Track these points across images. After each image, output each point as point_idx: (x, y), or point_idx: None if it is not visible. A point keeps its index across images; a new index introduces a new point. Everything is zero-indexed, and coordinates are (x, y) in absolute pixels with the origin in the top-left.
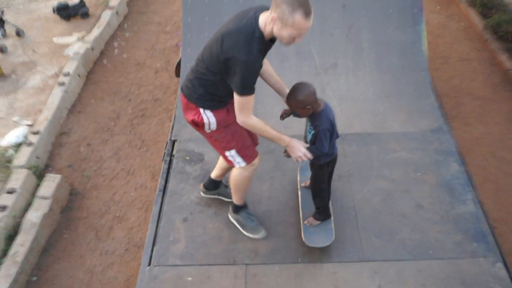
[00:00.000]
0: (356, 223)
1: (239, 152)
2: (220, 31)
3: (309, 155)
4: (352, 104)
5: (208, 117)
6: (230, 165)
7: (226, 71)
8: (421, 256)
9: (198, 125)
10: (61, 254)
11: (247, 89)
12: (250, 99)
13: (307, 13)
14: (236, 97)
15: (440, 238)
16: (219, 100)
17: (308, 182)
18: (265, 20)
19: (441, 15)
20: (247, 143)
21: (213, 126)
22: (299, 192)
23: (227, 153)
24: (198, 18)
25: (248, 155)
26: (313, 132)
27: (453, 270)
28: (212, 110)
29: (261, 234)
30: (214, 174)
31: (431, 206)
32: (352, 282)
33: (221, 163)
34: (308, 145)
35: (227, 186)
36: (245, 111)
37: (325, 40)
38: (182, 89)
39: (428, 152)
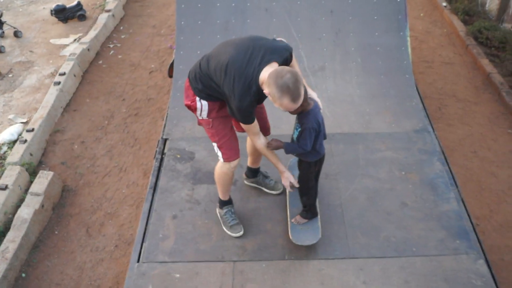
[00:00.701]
0: (343, 220)
1: (219, 148)
2: (227, 53)
3: (296, 185)
4: (339, 105)
5: (202, 104)
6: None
7: (226, 99)
8: (405, 253)
9: (191, 108)
10: (52, 250)
11: (245, 121)
12: (251, 126)
13: (294, 99)
14: None
15: (423, 235)
16: (216, 97)
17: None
18: (263, 79)
19: (425, 21)
20: (230, 144)
21: (204, 113)
22: (287, 192)
23: (213, 144)
24: (191, 22)
25: (226, 154)
26: (299, 129)
27: (435, 267)
28: (208, 101)
29: (238, 233)
30: (248, 161)
31: (415, 204)
32: (337, 278)
33: (248, 149)
34: (278, 140)
35: (266, 177)
36: (250, 134)
37: (313, 43)
38: (189, 73)
39: (413, 151)
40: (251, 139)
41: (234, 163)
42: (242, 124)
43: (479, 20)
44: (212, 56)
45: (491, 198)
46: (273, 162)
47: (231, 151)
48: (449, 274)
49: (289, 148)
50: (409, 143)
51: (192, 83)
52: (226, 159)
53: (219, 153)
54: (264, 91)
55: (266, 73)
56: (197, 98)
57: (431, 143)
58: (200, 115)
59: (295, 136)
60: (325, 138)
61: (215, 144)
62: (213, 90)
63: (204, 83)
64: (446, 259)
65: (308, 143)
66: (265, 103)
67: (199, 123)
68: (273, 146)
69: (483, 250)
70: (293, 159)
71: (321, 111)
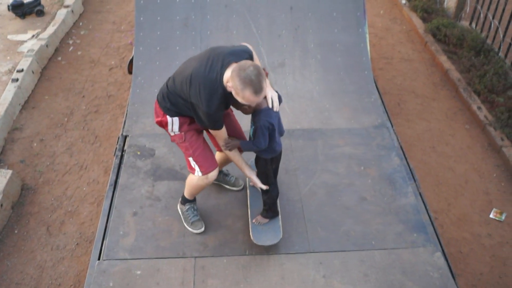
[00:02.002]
0: (303, 215)
1: (195, 162)
2: (190, 67)
3: (260, 185)
4: (298, 101)
5: (173, 120)
6: (191, 171)
7: (192, 110)
8: (364, 247)
9: (162, 124)
10: (11, 249)
11: (213, 127)
12: (221, 132)
13: (256, 91)
14: None
15: (382, 229)
16: (185, 114)
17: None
18: (227, 79)
19: (385, 18)
20: (205, 154)
21: (176, 127)
22: (248, 191)
23: (189, 160)
24: (150, 18)
25: (203, 166)
26: (253, 127)
27: (394, 260)
28: (178, 117)
29: (199, 230)
30: None
31: (374, 199)
32: (298, 272)
33: (217, 156)
34: (235, 139)
35: (227, 174)
36: (220, 140)
37: (273, 40)
38: (157, 95)
39: (371, 147)
40: (221, 145)
41: (211, 175)
42: (211, 130)
43: (437, 17)
44: (176, 74)
45: (449, 192)
46: (240, 167)
47: (208, 162)
48: (407, 266)
49: (244, 146)
50: (368, 139)
51: (161, 103)
52: (204, 171)
53: (196, 167)
54: (227, 84)
55: (229, 73)
56: (167, 116)
57: (389, 138)
58: (172, 130)
59: (250, 133)
60: (282, 134)
61: (191, 159)
62: (181, 107)
63: (172, 101)
64: (404, 252)
65: (262, 141)
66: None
67: (172, 140)
68: (230, 145)
69: (440, 243)
70: (252, 158)
71: (276, 110)
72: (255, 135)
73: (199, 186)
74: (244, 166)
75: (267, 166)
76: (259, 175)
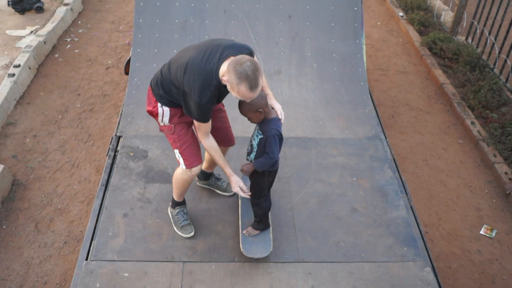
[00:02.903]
0: (293, 224)
1: (181, 154)
2: (187, 54)
3: (244, 191)
4: (293, 110)
5: (164, 110)
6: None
7: (183, 98)
8: (354, 259)
9: (153, 114)
10: None
11: (200, 119)
12: (205, 125)
13: (251, 87)
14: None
15: (372, 242)
16: (177, 103)
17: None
18: (223, 73)
19: (382, 30)
20: (192, 149)
21: (166, 119)
22: (239, 202)
23: (175, 151)
24: (150, 20)
25: (188, 160)
26: (261, 136)
27: (383, 273)
28: (169, 107)
29: (188, 234)
30: (203, 166)
31: (365, 210)
32: (286, 282)
33: (206, 155)
34: (249, 163)
35: (218, 179)
36: (201, 133)
37: (270, 47)
38: (151, 81)
39: (364, 158)
40: (200, 137)
41: (195, 169)
42: (195, 122)
43: (434, 31)
44: (172, 61)
45: (440, 206)
46: (220, 165)
47: (193, 157)
48: (396, 280)
49: (259, 164)
50: (361, 150)
51: (154, 89)
52: (188, 165)
53: (181, 160)
54: (223, 79)
55: (225, 67)
56: (159, 104)
57: (382, 150)
58: (162, 120)
59: (255, 143)
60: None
61: (176, 151)
62: (174, 95)
63: (165, 88)
64: (393, 265)
65: (275, 151)
66: (227, 107)
67: (161, 130)
68: (245, 171)
69: (430, 258)
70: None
71: (282, 121)
72: (266, 146)
73: (183, 180)
74: (225, 164)
75: (264, 179)
76: (252, 186)
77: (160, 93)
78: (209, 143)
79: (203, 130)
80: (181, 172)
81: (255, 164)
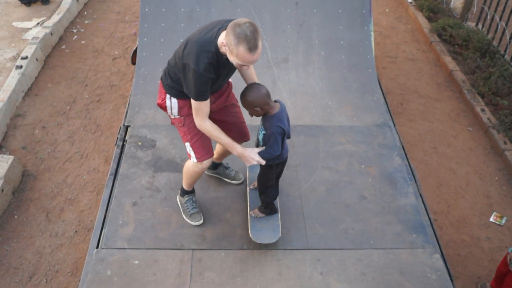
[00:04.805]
0: (302, 211)
1: (192, 147)
2: (190, 35)
3: (262, 161)
4: (301, 98)
5: (172, 102)
6: (188, 156)
7: (183, 75)
8: (362, 245)
9: (162, 107)
10: (11, 234)
11: (200, 96)
12: (203, 104)
13: (251, 48)
14: (191, 101)
15: (380, 229)
16: (185, 94)
17: (256, 183)
18: (222, 40)
19: (390, 17)
20: (202, 142)
21: (175, 111)
22: (248, 190)
23: (186, 145)
24: (156, 9)
25: (199, 153)
26: (264, 132)
27: (392, 260)
28: (177, 98)
29: (197, 222)
30: (213, 157)
31: (374, 197)
32: (295, 269)
33: (217, 148)
34: (260, 148)
35: (227, 168)
36: (200, 115)
37: (277, 35)
38: (162, 75)
39: (373, 145)
40: (200, 121)
41: (206, 163)
42: (194, 105)
43: (443, 17)
44: (177, 48)
45: (449, 194)
46: (227, 144)
47: (204, 150)
48: (404, 267)
49: (262, 154)
50: (369, 137)
51: (163, 81)
52: (199, 158)
53: (192, 153)
54: (222, 43)
55: (223, 35)
56: (167, 96)
57: (391, 138)
58: (172, 113)
59: (260, 138)
60: (288, 137)
61: (187, 144)
62: (181, 84)
63: (172, 77)
64: (402, 252)
65: (276, 148)
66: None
67: (172, 123)
68: (248, 157)
69: (439, 245)
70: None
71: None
72: (268, 142)
73: (194, 172)
74: (232, 143)
75: (271, 170)
76: (259, 176)
77: (168, 83)
78: (210, 125)
79: (202, 112)
80: (192, 164)
81: (260, 153)
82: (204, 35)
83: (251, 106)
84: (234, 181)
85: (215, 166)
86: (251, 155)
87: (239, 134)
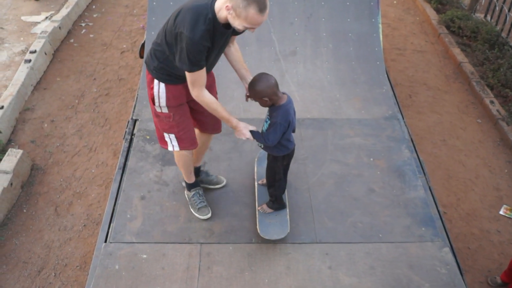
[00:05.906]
0: (310, 205)
1: (177, 138)
2: (182, 5)
3: (251, 138)
4: (309, 90)
5: (160, 88)
6: (163, 147)
7: (175, 47)
8: (371, 239)
9: (150, 98)
10: (20, 228)
11: (195, 66)
12: (200, 74)
13: (261, 9)
14: (186, 74)
15: (389, 222)
16: (175, 77)
17: (264, 180)
18: (220, 6)
19: (398, 8)
20: (188, 133)
21: (163, 101)
22: (256, 184)
23: (165, 135)
24: (163, 2)
25: (184, 142)
26: (269, 122)
27: (401, 253)
28: (166, 83)
29: (205, 216)
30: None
31: (382, 191)
32: (303, 262)
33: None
34: (255, 128)
35: (208, 175)
36: (197, 86)
37: (285, 28)
38: (145, 58)
39: (381, 138)
40: (198, 93)
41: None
42: (189, 77)
43: (451, 9)
44: (164, 24)
45: (459, 187)
46: (224, 117)
47: (189, 142)
48: (414, 260)
49: (253, 135)
50: (378, 130)
51: (149, 64)
52: (183, 147)
53: (175, 143)
54: (221, 11)
55: (221, 1)
56: (155, 82)
57: (400, 130)
58: (159, 105)
59: (264, 128)
60: (293, 131)
61: (172, 135)
62: (169, 63)
63: (159, 58)
64: (411, 246)
65: (272, 138)
66: (234, 88)
67: (156, 115)
68: (241, 133)
69: (448, 238)
70: (262, 151)
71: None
72: (268, 130)
73: (183, 156)
74: (229, 115)
75: (278, 163)
76: (267, 169)
77: (154, 65)
78: (209, 97)
79: (198, 83)
80: (178, 154)
81: (252, 132)
82: (199, 2)
83: (259, 96)
84: (218, 185)
85: (197, 173)
86: (243, 131)
87: (213, 127)
